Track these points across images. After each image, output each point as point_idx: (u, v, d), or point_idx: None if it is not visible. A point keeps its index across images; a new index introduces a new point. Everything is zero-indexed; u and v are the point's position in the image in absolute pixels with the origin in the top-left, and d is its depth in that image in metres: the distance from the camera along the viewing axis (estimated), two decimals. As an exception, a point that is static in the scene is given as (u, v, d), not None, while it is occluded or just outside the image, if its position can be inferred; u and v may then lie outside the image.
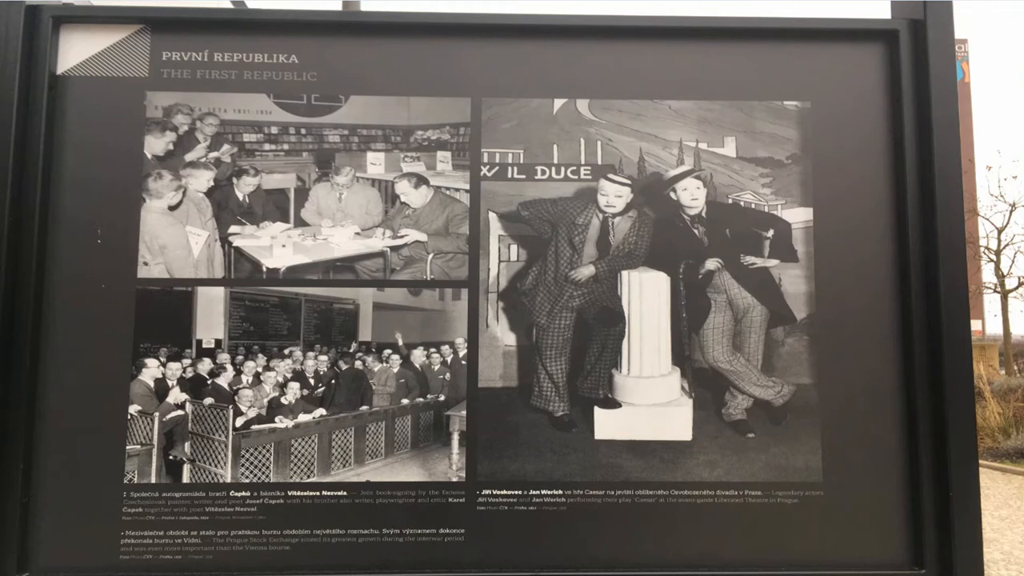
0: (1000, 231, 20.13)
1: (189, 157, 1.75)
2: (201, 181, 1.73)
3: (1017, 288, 20.03)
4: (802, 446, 1.66)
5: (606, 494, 1.63)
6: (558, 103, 1.78)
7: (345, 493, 1.63)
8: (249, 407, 1.64)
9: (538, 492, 1.62)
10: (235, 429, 1.62)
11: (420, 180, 1.78)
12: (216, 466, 1.61)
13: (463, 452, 1.63)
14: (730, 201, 1.78)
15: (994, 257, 20.14)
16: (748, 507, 1.64)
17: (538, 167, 1.76)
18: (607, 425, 1.67)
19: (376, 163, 1.76)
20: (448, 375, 1.71)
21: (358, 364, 1.73)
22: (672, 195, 1.75)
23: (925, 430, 1.65)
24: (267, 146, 1.76)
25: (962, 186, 1.69)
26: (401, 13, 1.78)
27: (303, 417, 1.67)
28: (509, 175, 1.75)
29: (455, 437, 1.65)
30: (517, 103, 1.77)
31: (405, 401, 1.73)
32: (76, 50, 1.73)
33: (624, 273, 1.77)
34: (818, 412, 1.66)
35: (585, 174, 1.77)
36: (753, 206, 1.77)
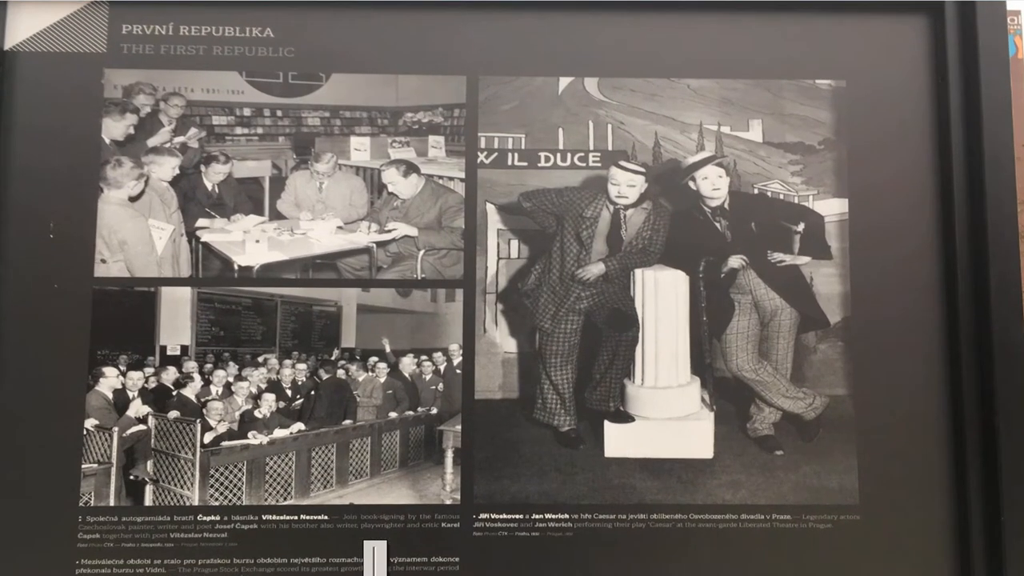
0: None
1: (152, 142, 1.72)
2: (165, 169, 1.71)
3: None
4: (836, 465, 1.63)
5: (617, 518, 1.60)
6: (564, 82, 1.75)
7: (326, 517, 1.61)
8: (219, 421, 1.63)
9: (541, 516, 1.60)
10: (203, 446, 1.60)
11: (410, 168, 1.76)
12: (182, 487, 1.58)
13: (458, 471, 1.61)
14: (756, 191, 1.75)
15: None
16: (776, 533, 1.61)
17: (541, 153, 1.74)
18: (618, 441, 1.66)
19: (361, 149, 1.74)
20: (441, 385, 1.70)
21: (341, 373, 1.71)
22: (691, 184, 1.73)
23: (974, 447, 1.62)
24: (239, 130, 1.73)
25: (1015, 175, 1.65)
26: (389, -19, 1.75)
27: (279, 432, 1.65)
28: (509, 162, 1.73)
29: (449, 455, 1.63)
30: (518, 82, 1.74)
31: (393, 414, 1.72)
32: (25, 23, 1.70)
33: (637, 272, 1.75)
34: (854, 427, 1.64)
35: (594, 161, 1.75)
36: (781, 197, 1.75)
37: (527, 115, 1.72)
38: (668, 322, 1.72)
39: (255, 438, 1.64)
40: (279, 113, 1.73)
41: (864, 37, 1.76)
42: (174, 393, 1.63)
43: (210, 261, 1.69)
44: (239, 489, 1.59)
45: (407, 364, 1.71)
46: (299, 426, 1.66)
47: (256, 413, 1.65)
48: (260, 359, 1.69)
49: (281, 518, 1.58)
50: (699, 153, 1.72)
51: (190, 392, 1.65)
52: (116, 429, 1.59)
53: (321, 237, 1.72)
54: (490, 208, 1.73)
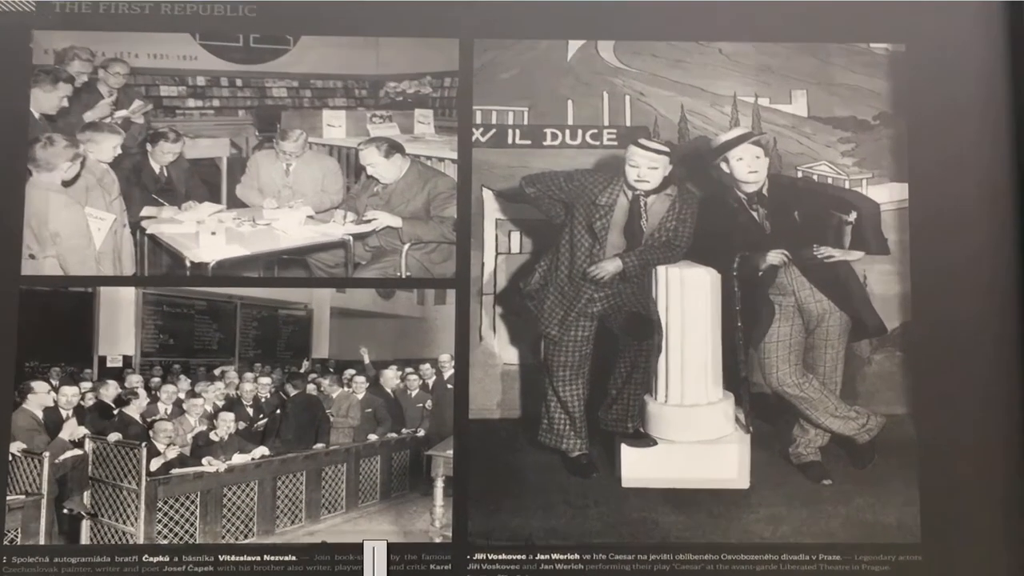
0: None
1: (89, 117, 1.65)
2: (105, 148, 1.63)
3: None
4: (895, 496, 1.55)
5: (636, 559, 1.51)
6: (574, 46, 1.67)
7: (294, 558, 1.50)
8: (168, 445, 1.57)
9: (547, 556, 1.51)
10: (150, 474, 1.53)
11: (392, 147, 1.70)
12: (124, 522, 1.51)
13: (449, 504, 1.54)
14: (800, 175, 1.67)
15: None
16: (824, 576, 1.50)
17: (547, 130, 1.66)
18: (638, 468, 1.59)
19: (335, 124, 1.70)
20: (429, 403, 1.65)
21: (311, 388, 1.66)
22: (724, 166, 1.65)
23: (1055, 475, 1.51)
24: (191, 102, 1.70)
25: (1104, 155, 1.56)
26: (367, -71, 1.66)
27: (239, 458, 1.60)
28: (509, 140, 1.65)
29: (439, 484, 1.57)
30: (520, 46, 1.64)
31: (373, 437, 1.66)
32: (-62, -25, 1.61)
33: (660, 269, 1.64)
34: (916, 452, 1.55)
35: (609, 139, 1.67)
36: (830, 181, 1.66)
37: (530, 85, 1.66)
38: (696, 328, 1.64)
39: (211, 465, 1.57)
40: (239, 83, 1.69)
41: (926, -7, 1.66)
42: (115, 412, 1.59)
43: (158, 256, 1.64)
44: (192, 525, 1.53)
45: (390, 378, 1.66)
46: (262, 451, 1.61)
47: (212, 435, 1.61)
48: (217, 372, 1.65)
49: (241, 559, 1.50)
50: (733, 130, 1.65)
51: (134, 411, 1.59)
52: (47, 454, 1.53)
53: (288, 228, 1.66)
54: (487, 194, 1.65)
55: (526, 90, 1.64)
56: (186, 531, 1.52)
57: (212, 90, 1.67)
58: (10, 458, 1.50)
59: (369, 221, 1.66)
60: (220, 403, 1.62)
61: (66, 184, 1.59)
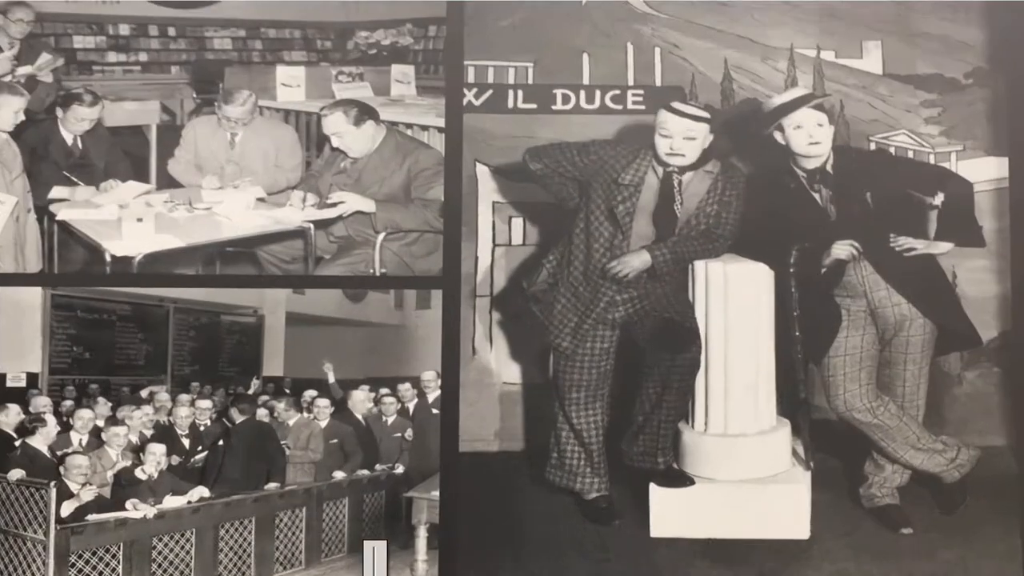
0: None
1: None
2: (4, 113, 1.55)
3: None
4: (992, 547, 1.46)
5: None
6: None
7: None
8: (84, 485, 1.46)
9: None
10: (60, 521, 1.42)
11: (363, 112, 1.63)
12: None
13: (434, 558, 1.47)
14: (873, 147, 1.64)
15: None
16: (904, 649, 1.40)
17: (558, 91, 1.60)
18: (670, 514, 1.48)
19: (292, 83, 1.61)
20: (409, 432, 1.63)
21: (262, 414, 1.55)
22: (778, 136, 1.52)
23: None
24: (112, 56, 1.61)
25: None
26: None
27: (171, 501, 1.49)
28: (510, 103, 1.59)
29: (422, 533, 1.48)
30: None
31: (339, 474, 1.53)
32: None
33: (699, 265, 1.53)
34: (1018, 492, 1.51)
35: (635, 102, 1.59)
36: (910, 155, 1.57)
37: (536, 35, 1.58)
38: (744, 339, 1.49)
39: (136, 509, 1.47)
40: (171, 31, 1.60)
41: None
42: (17, 443, 1.50)
43: (71, 249, 1.54)
44: (113, 584, 1.37)
45: (360, 400, 1.59)
46: (201, 491, 1.52)
47: (138, 472, 1.51)
48: (144, 393, 1.55)
49: (175, 627, 1.39)
50: (789, 90, 1.55)
51: (40, 442, 1.49)
52: (-67, 497, 1.39)
53: (234, 214, 1.55)
54: (482, 171, 1.59)
55: (530, 41, 1.58)
56: (106, 591, 1.37)
57: (138, 41, 1.57)
58: None
59: (335, 205, 1.55)
60: (148, 432, 1.50)
61: (-45, 159, 1.45)
